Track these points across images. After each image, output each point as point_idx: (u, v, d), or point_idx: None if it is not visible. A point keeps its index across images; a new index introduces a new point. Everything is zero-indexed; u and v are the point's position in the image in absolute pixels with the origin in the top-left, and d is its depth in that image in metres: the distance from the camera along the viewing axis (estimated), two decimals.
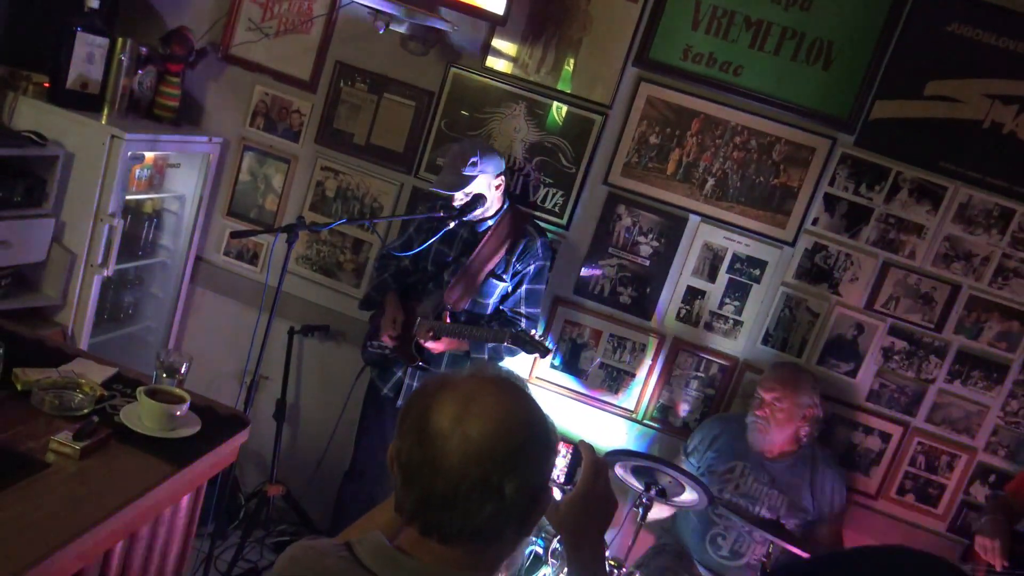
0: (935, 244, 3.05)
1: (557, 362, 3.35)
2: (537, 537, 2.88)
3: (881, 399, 3.17)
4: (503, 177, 2.92)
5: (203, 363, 3.51)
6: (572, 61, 3.19)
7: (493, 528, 1.05)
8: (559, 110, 3.22)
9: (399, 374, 3.00)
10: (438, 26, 3.03)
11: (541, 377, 3.36)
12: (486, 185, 2.84)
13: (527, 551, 2.86)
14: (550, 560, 2.78)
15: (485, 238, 2.91)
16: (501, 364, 2.97)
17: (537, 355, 2.79)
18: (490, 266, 2.89)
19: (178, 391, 2.02)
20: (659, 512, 2.98)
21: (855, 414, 3.19)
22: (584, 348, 3.33)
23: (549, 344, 2.80)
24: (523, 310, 2.95)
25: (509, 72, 3.24)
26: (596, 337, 3.32)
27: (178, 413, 1.95)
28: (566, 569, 1.27)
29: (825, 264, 3.13)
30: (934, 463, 3.18)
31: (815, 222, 3.11)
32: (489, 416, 1.04)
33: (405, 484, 1.07)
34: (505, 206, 2.96)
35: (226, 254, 3.55)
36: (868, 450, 3.20)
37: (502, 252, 2.90)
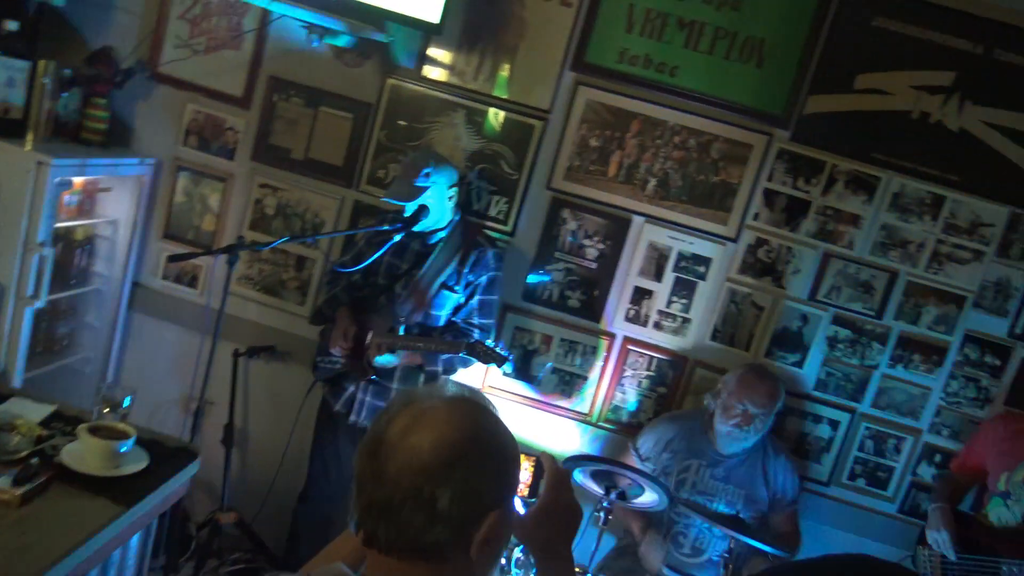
0: (872, 233, 3.12)
1: (509, 369, 3.32)
2: None
3: (828, 387, 3.23)
4: (456, 188, 2.90)
5: (145, 391, 3.39)
6: (509, 67, 3.19)
7: (430, 543, 1.02)
8: (499, 117, 3.21)
9: (351, 389, 2.96)
10: (374, 37, 2.99)
11: (494, 385, 3.35)
12: (439, 196, 2.83)
13: None
14: (512, 570, 2.77)
15: (436, 250, 2.89)
16: (467, 383, 2.95)
17: (494, 365, 2.78)
18: (442, 278, 2.87)
19: (122, 426, 1.95)
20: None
21: (804, 403, 3.25)
22: (535, 354, 3.33)
23: (504, 352, 2.79)
24: (476, 321, 2.94)
25: (446, 81, 3.22)
26: (547, 342, 3.32)
27: (123, 450, 1.88)
28: None
29: (768, 258, 3.18)
30: (882, 447, 3.26)
31: (756, 217, 3.16)
32: (434, 429, 1.03)
33: (356, 493, 1.07)
34: (457, 218, 2.95)
35: (164, 278, 3.45)
36: (818, 438, 3.27)
37: (454, 263, 2.89)
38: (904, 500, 3.28)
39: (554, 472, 1.27)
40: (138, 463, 1.93)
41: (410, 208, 2.81)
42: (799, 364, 3.22)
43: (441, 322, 2.94)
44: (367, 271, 2.95)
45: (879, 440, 3.25)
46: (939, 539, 2.80)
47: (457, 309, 2.95)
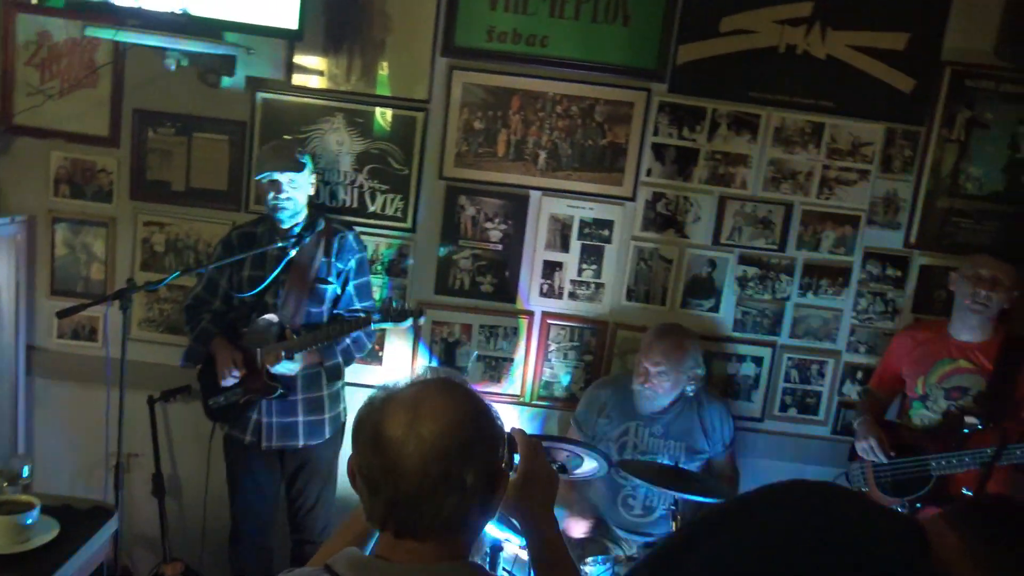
0: (761, 170, 3.18)
1: (434, 364, 3.30)
2: None
3: (746, 326, 3.29)
4: (314, 176, 2.91)
5: (62, 458, 3.28)
6: (380, 63, 3.13)
7: (461, 517, 1.14)
8: (380, 115, 3.16)
9: (255, 416, 2.88)
10: (233, 53, 2.90)
11: None
12: (308, 183, 2.83)
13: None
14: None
15: (297, 248, 2.84)
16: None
17: (411, 320, 2.74)
18: (312, 273, 2.83)
19: (24, 497, 1.85)
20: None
21: (725, 346, 3.30)
22: (458, 345, 3.30)
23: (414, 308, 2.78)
24: (358, 306, 2.93)
25: (319, 86, 3.15)
26: (467, 331, 3.29)
27: (28, 522, 1.78)
28: (527, 549, 1.42)
29: (667, 211, 3.21)
30: (806, 374, 3.34)
31: (649, 173, 3.19)
32: (438, 416, 1.12)
33: (371, 493, 1.14)
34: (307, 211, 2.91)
35: (60, 337, 3.29)
36: (745, 376, 3.33)
37: (319, 255, 2.85)
38: (835, 421, 3.37)
39: (527, 444, 1.37)
40: (48, 533, 1.83)
41: (287, 204, 2.78)
42: (715, 309, 3.28)
43: (324, 318, 2.89)
44: (228, 290, 2.89)
45: (802, 368, 3.33)
46: (867, 447, 2.89)
47: (335, 301, 2.92)
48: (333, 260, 2.87)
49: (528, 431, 3.23)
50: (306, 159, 2.84)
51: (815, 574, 1.42)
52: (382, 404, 1.16)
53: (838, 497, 1.63)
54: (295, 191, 2.78)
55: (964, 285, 2.83)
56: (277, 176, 2.75)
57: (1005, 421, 2.57)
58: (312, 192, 2.89)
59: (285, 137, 3.12)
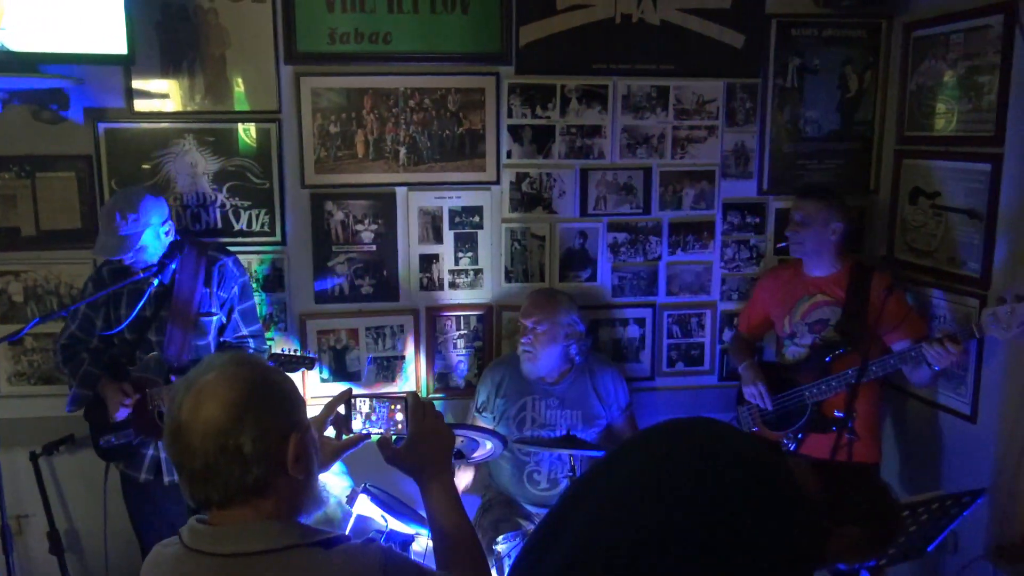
0: (616, 138, 3.28)
1: (326, 374, 3.28)
2: None
3: (624, 291, 3.40)
4: (171, 222, 2.78)
5: None
6: (224, 78, 3.07)
7: (254, 480, 1.23)
8: (232, 131, 3.10)
9: (151, 453, 2.81)
10: (53, 85, 2.79)
11: (316, 396, 3.26)
12: (155, 236, 2.70)
13: (334, 498, 2.88)
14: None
15: (176, 283, 2.77)
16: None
17: (304, 369, 2.78)
18: (195, 306, 2.77)
19: None
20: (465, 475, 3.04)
21: (608, 312, 3.40)
22: (347, 351, 3.29)
23: (309, 355, 2.83)
24: (245, 332, 2.89)
25: (164, 110, 3.06)
26: (354, 336, 3.28)
27: None
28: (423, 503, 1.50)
29: (532, 189, 3.28)
30: (687, 328, 3.48)
31: (509, 155, 3.24)
32: (216, 398, 1.23)
33: (179, 474, 1.27)
34: (178, 240, 2.83)
35: None
36: (631, 340, 3.44)
37: (199, 287, 2.78)
38: (721, 368, 3.53)
39: (415, 405, 1.49)
40: None
41: (130, 257, 2.67)
42: (592, 278, 3.37)
43: (212, 349, 2.84)
44: (103, 330, 2.79)
45: (683, 323, 3.47)
46: (756, 392, 3.03)
47: (221, 330, 2.87)
48: (215, 290, 2.81)
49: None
50: (149, 217, 2.66)
51: (695, 508, 1.50)
52: (178, 396, 1.27)
53: (712, 433, 1.71)
54: (142, 250, 2.67)
55: None
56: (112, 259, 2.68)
57: (863, 342, 2.74)
58: (168, 237, 2.76)
59: (123, 191, 2.89)
